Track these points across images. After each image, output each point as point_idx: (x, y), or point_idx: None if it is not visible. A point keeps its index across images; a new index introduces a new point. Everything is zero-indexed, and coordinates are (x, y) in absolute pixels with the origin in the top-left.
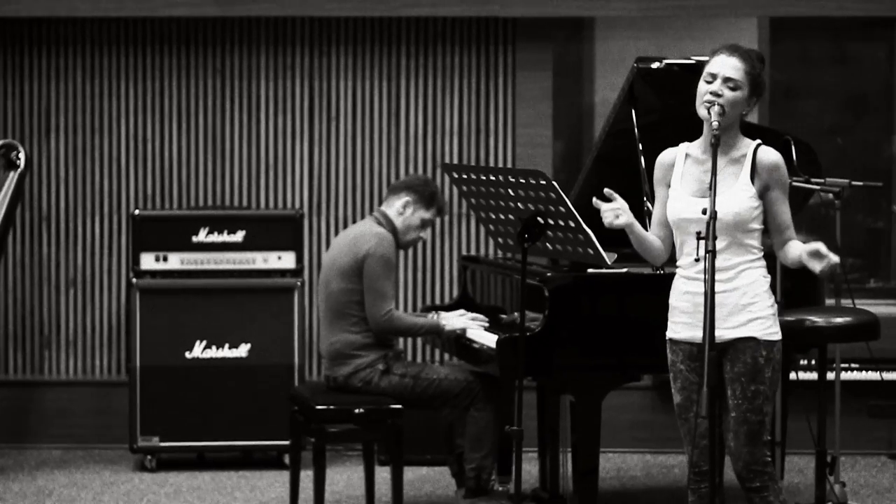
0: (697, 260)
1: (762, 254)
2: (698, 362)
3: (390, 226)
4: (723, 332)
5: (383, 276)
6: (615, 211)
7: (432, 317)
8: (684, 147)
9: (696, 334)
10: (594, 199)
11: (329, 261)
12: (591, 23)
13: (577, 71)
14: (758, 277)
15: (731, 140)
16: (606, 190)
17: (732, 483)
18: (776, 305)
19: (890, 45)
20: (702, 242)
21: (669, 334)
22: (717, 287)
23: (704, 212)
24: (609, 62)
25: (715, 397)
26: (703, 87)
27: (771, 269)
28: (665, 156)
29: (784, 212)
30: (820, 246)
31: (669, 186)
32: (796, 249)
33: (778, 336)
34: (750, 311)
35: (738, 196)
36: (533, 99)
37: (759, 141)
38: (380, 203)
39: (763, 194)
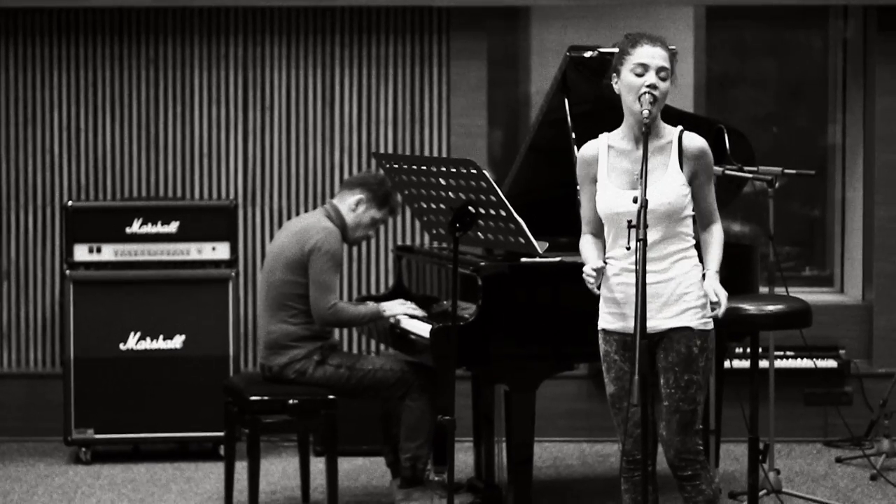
0: (629, 248)
1: (694, 242)
2: (632, 352)
3: (340, 221)
4: (658, 322)
5: (329, 271)
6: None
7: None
8: (605, 139)
9: (630, 324)
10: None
11: (274, 250)
12: (526, 12)
13: (512, 60)
14: (691, 267)
15: (656, 128)
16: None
17: (665, 471)
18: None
19: (825, 34)
20: (633, 231)
21: (602, 325)
22: (652, 277)
23: (635, 200)
24: (545, 51)
25: (647, 386)
26: (634, 79)
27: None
28: (587, 150)
29: (707, 197)
30: (712, 295)
31: (595, 182)
32: (707, 260)
33: (711, 325)
34: (685, 300)
35: (670, 185)
36: (468, 88)
37: (680, 127)
38: (317, 193)
39: (691, 181)
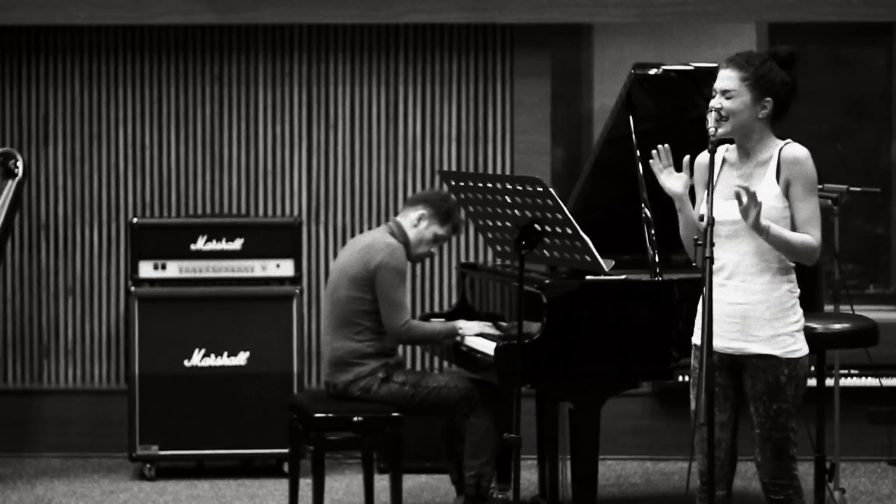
0: (695, 264)
1: (793, 265)
2: (721, 372)
3: (403, 237)
4: (744, 345)
5: (397, 288)
6: (680, 178)
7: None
8: (722, 151)
9: (717, 343)
10: (658, 148)
11: (339, 267)
12: (589, 29)
13: (575, 77)
14: (785, 292)
15: (756, 145)
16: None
17: (739, 491)
18: (802, 320)
19: (888, 51)
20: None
21: (695, 340)
22: (742, 297)
23: (701, 218)
24: (607, 68)
25: (713, 406)
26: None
27: None
28: (702, 157)
29: (803, 209)
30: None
31: (704, 188)
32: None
33: (801, 353)
34: (773, 326)
35: (763, 195)
36: (531, 105)
37: (788, 140)
38: (381, 211)
39: (786, 191)
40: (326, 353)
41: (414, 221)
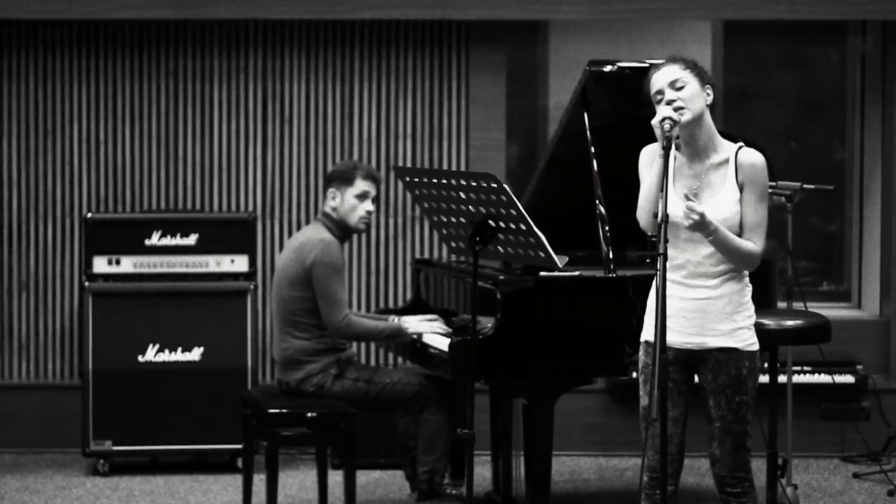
0: (648, 261)
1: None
2: (676, 367)
3: (333, 222)
4: (704, 339)
5: (333, 282)
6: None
7: (393, 320)
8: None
9: (676, 338)
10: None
11: (279, 268)
12: (544, 26)
13: (530, 74)
14: (742, 287)
15: (708, 141)
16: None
17: (692, 487)
18: (754, 315)
19: (842, 49)
20: (678, 247)
21: (645, 336)
22: (702, 293)
23: (655, 215)
24: (563, 65)
25: (665, 401)
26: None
27: None
28: (655, 146)
29: (752, 214)
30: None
31: None
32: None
33: (757, 346)
34: (733, 320)
35: (726, 200)
36: (486, 102)
37: (741, 144)
38: None
39: (739, 194)
40: (277, 353)
41: (331, 203)
